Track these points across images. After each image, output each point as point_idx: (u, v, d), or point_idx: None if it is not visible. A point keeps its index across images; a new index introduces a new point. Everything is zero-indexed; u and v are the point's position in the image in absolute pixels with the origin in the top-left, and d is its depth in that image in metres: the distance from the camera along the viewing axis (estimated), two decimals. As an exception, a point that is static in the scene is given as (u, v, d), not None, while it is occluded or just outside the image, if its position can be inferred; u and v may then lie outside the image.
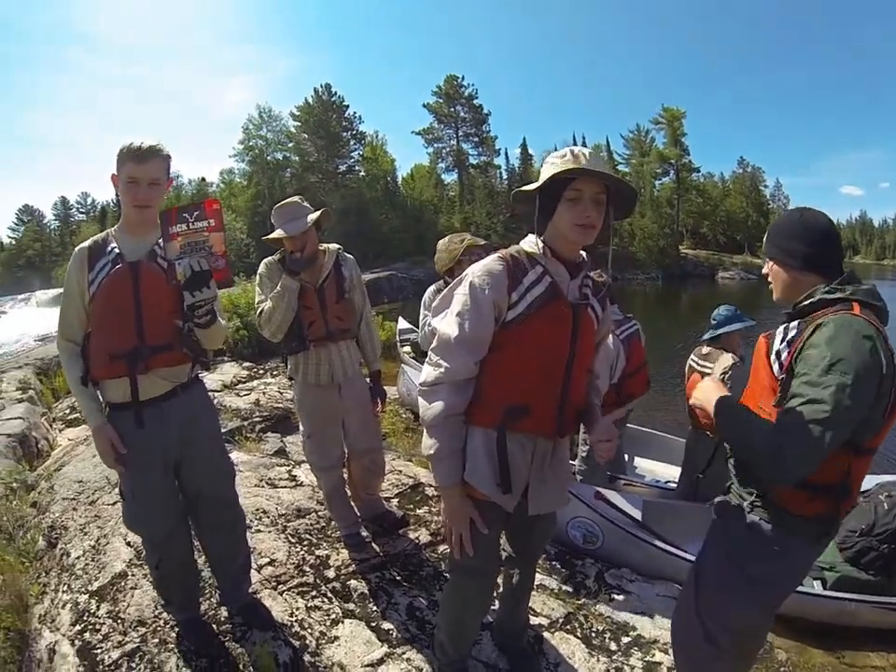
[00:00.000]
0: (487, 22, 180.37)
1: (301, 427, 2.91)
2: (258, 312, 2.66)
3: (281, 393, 5.96)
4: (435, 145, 54.08)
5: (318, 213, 2.68)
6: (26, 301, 50.87)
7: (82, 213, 70.57)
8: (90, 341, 1.91)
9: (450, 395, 1.54)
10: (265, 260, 2.73)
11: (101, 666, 2.20)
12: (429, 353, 1.59)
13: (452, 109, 52.36)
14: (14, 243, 69.81)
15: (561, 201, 1.47)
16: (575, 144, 53.55)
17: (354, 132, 50.71)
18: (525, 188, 1.56)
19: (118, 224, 2.00)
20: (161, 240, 1.87)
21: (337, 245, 2.84)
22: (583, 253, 1.60)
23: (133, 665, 2.21)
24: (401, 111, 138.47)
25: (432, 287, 3.46)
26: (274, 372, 6.87)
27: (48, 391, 6.78)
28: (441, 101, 52.50)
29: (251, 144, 48.22)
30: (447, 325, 1.56)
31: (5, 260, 68.45)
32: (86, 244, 1.94)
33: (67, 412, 6.18)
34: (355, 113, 50.37)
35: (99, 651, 2.28)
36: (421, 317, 3.65)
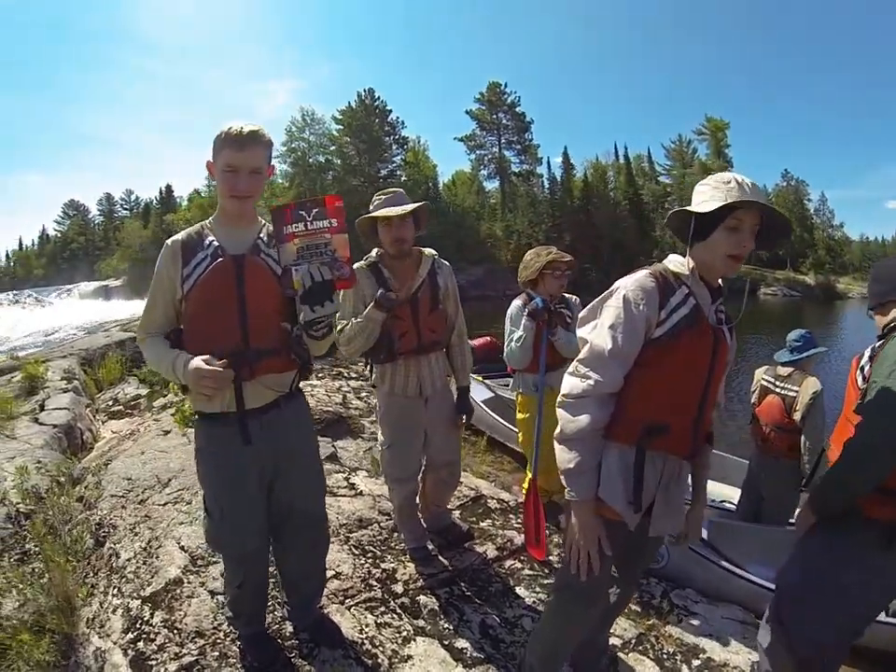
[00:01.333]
0: (530, 29, 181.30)
1: (379, 437, 2.93)
2: (338, 328, 2.61)
3: (329, 396, 6.00)
4: (477, 152, 57.55)
5: (420, 204, 2.70)
6: (69, 293, 54.91)
7: (126, 209, 78.22)
8: (182, 341, 1.85)
9: (596, 409, 1.63)
10: (354, 266, 2.71)
11: None
12: (575, 364, 1.69)
13: (494, 116, 55.72)
14: (60, 236, 78.82)
15: (719, 227, 1.59)
16: (617, 153, 58.08)
17: (396, 136, 54.42)
18: (687, 208, 1.67)
19: (213, 216, 1.95)
20: (262, 233, 1.86)
21: (433, 251, 2.84)
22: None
23: None
24: (443, 117, 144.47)
25: (518, 301, 3.66)
26: (320, 374, 6.93)
27: (91, 382, 7.13)
28: (483, 108, 55.92)
29: (293, 146, 52.39)
30: (599, 337, 1.64)
31: (50, 253, 77.57)
32: (179, 236, 1.89)
33: (110, 403, 6.48)
34: (397, 118, 54.08)
35: (154, 662, 2.27)
36: (506, 332, 3.68)
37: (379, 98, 53.10)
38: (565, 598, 1.90)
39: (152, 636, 2.41)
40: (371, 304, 2.55)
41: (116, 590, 2.73)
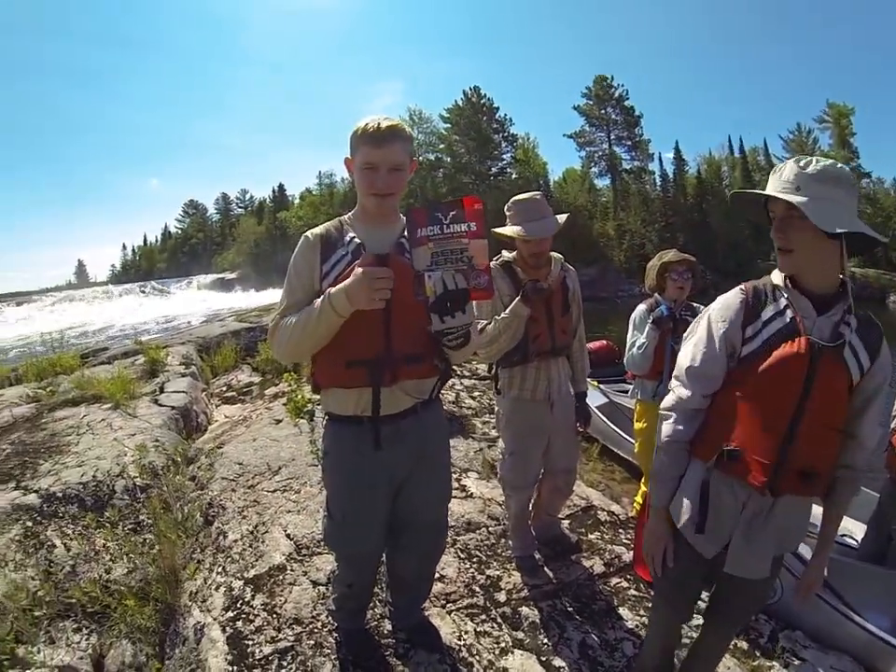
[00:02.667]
0: (636, 19, 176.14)
1: (501, 444, 3.09)
2: (479, 328, 2.73)
3: (441, 394, 6.12)
4: (587, 148, 57.90)
5: (565, 216, 2.80)
6: (189, 284, 60.64)
7: (241, 207, 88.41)
8: None
9: (677, 422, 1.79)
10: None
11: (250, 659, 2.43)
12: (673, 377, 1.86)
13: (602, 111, 55.92)
14: (180, 232, 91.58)
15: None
16: (731, 147, 56.38)
17: (505, 134, 56.29)
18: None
19: (352, 212, 2.02)
20: (405, 231, 1.88)
21: (559, 255, 2.96)
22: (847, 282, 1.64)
23: (285, 663, 2.40)
24: (552, 113, 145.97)
25: (642, 306, 3.80)
26: None
27: (207, 368, 7.87)
28: (591, 103, 56.22)
29: None
30: (684, 354, 1.81)
31: (171, 248, 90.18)
32: (318, 230, 1.95)
33: (224, 388, 7.15)
34: (505, 115, 55.97)
35: (250, 643, 2.52)
36: (629, 336, 3.80)
37: (485, 96, 55.48)
38: (654, 604, 2.17)
39: (251, 616, 2.67)
40: (518, 298, 2.66)
41: (220, 568, 3.04)
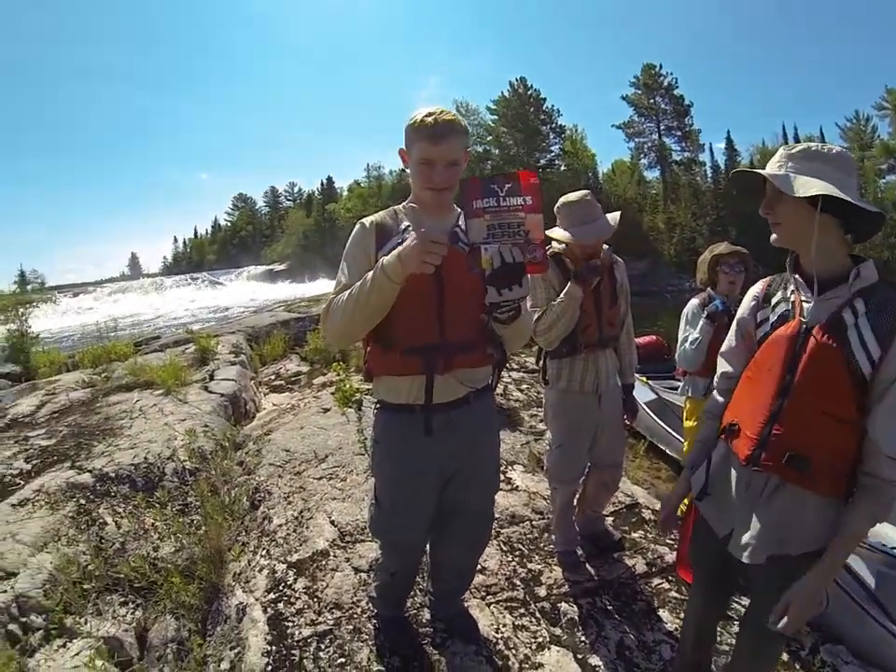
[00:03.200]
0: (684, 3, 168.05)
1: (549, 436, 3.18)
2: (535, 317, 2.80)
3: None
4: (636, 139, 57.37)
5: (617, 215, 2.85)
6: (239, 275, 62.25)
7: (289, 200, 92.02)
8: (375, 330, 1.91)
9: (716, 394, 2.02)
10: None
11: (290, 640, 2.57)
12: None
13: (651, 101, 55.25)
14: (230, 225, 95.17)
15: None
16: (785, 136, 54.36)
17: (553, 125, 56.26)
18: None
19: (406, 201, 2.06)
20: (459, 221, 1.93)
21: (607, 245, 3.01)
22: (866, 265, 1.61)
23: (323, 646, 2.53)
24: (600, 103, 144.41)
25: (695, 301, 3.84)
26: None
27: (256, 356, 8.18)
28: (639, 92, 55.58)
29: None
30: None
31: (221, 240, 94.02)
32: (374, 218, 2.00)
33: (272, 377, 7.41)
34: (552, 106, 55.90)
35: (290, 624, 2.66)
36: (681, 332, 3.84)
37: (532, 86, 55.51)
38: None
39: (293, 599, 2.81)
40: (571, 280, 2.72)
41: (264, 551, 3.20)
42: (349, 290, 1.82)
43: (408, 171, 1.97)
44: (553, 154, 56.53)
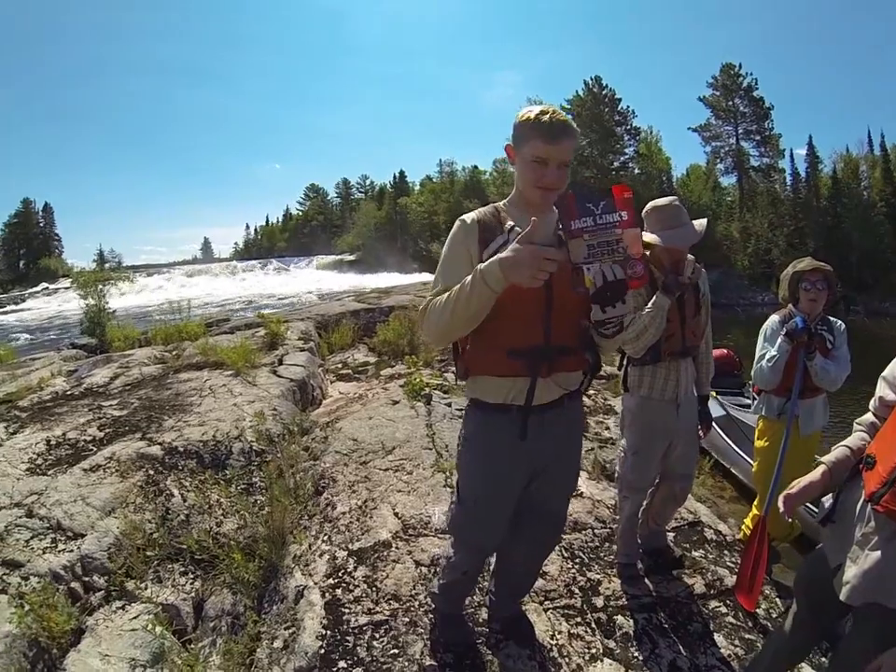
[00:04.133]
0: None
1: (623, 443, 3.16)
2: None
3: None
4: (713, 143, 55.04)
5: (704, 221, 2.91)
6: (308, 263, 63.96)
7: (361, 192, 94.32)
8: (477, 329, 1.90)
9: (868, 416, 1.98)
10: None
11: (345, 626, 2.65)
12: None
13: (730, 103, 52.98)
14: (301, 214, 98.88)
15: None
16: (871, 143, 49.98)
17: (628, 126, 54.62)
18: None
19: (507, 199, 2.08)
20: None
21: (692, 255, 3.03)
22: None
23: (378, 636, 2.61)
24: (675, 105, 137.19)
25: (775, 317, 3.78)
26: None
27: (324, 344, 8.40)
28: (717, 94, 53.45)
29: None
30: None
31: (292, 228, 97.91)
32: (474, 215, 2.00)
33: (340, 366, 7.62)
34: (628, 107, 54.26)
35: (347, 611, 2.75)
36: (758, 348, 3.79)
37: (607, 86, 54.21)
38: None
39: (351, 587, 2.90)
40: (659, 290, 2.76)
41: (326, 537, 3.31)
42: (448, 293, 1.83)
43: (513, 167, 1.99)
44: (626, 156, 55.34)
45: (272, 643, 2.68)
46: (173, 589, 3.04)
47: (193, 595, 3.04)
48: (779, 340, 3.54)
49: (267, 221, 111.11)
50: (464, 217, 2.01)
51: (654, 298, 2.75)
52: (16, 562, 3.01)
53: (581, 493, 3.91)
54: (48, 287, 59.09)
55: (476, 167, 66.45)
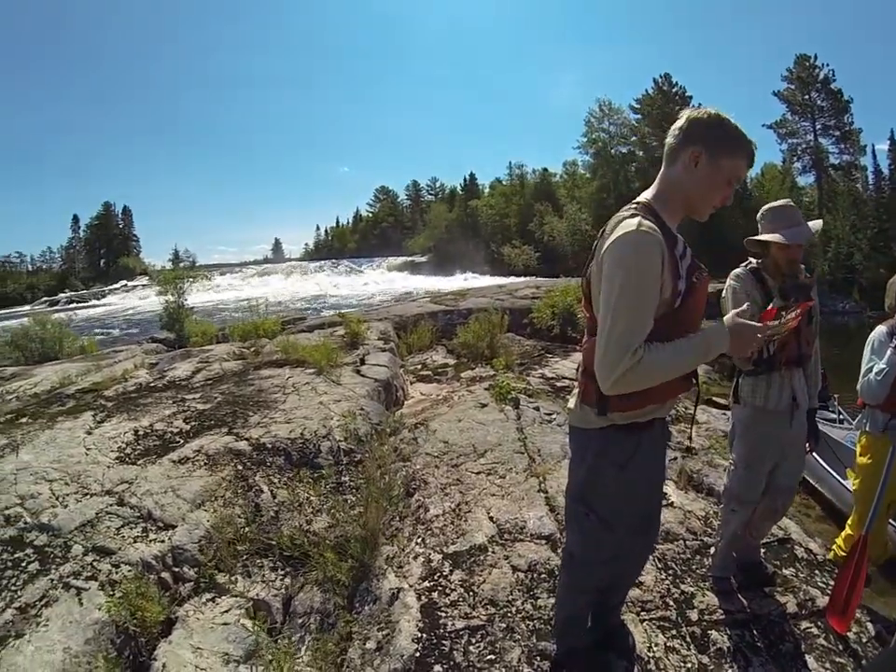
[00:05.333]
0: None
1: (734, 456, 3.13)
2: None
3: None
4: (789, 140, 52.69)
5: (820, 222, 2.93)
6: (379, 265, 65.10)
7: (431, 194, 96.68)
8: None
9: None
10: (735, 272, 3.02)
11: (441, 630, 2.70)
12: None
13: (806, 97, 50.58)
14: (371, 216, 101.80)
15: None
16: None
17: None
18: None
19: (654, 195, 1.95)
20: None
21: (802, 264, 3.04)
22: None
23: (474, 640, 2.63)
24: (748, 101, 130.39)
25: (883, 328, 3.69)
26: None
27: (403, 345, 8.53)
28: (792, 87, 51.09)
29: (594, 137, 56.60)
30: None
31: (362, 230, 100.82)
32: (652, 224, 1.79)
33: (419, 367, 7.73)
34: (699, 105, 51.86)
35: (443, 615, 2.79)
36: (864, 361, 3.68)
37: (677, 83, 53.55)
38: None
39: (448, 590, 2.94)
40: (776, 296, 2.80)
41: (419, 539, 3.36)
42: (662, 357, 1.74)
43: (685, 169, 1.87)
44: None
45: (364, 644, 2.72)
46: (263, 584, 3.12)
47: (283, 591, 3.11)
48: (888, 352, 3.45)
49: (337, 223, 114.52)
50: (644, 227, 1.77)
51: (772, 303, 2.75)
52: (107, 549, 3.15)
53: (672, 502, 3.88)
54: (126, 284, 64.28)
55: (546, 169, 66.66)
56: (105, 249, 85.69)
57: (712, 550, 3.27)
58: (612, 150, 55.42)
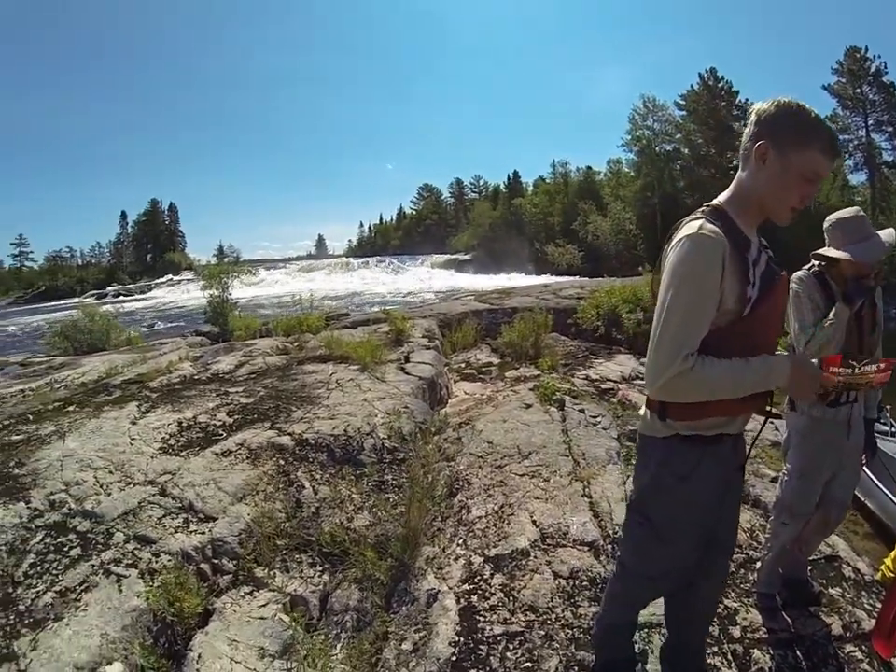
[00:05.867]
0: None
1: (787, 465, 3.08)
2: (805, 342, 2.83)
3: None
4: (840, 137, 49.25)
5: (893, 231, 2.75)
6: (423, 262, 65.57)
7: (475, 192, 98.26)
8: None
9: None
10: (797, 275, 2.90)
11: (479, 635, 2.68)
12: None
13: (857, 91, 48.20)
14: (415, 213, 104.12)
15: None
16: None
17: (746, 121, 51.09)
18: None
19: (727, 199, 1.87)
20: None
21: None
22: None
23: (512, 647, 2.61)
24: (797, 95, 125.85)
25: None
26: None
27: (447, 343, 8.52)
28: (843, 80, 48.74)
29: (638, 134, 55.34)
30: None
31: (406, 227, 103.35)
32: (716, 228, 1.73)
33: (462, 365, 7.73)
34: (746, 100, 50.89)
35: (482, 619, 2.77)
36: None
37: (723, 78, 51.75)
38: None
39: (487, 594, 2.92)
40: (840, 301, 2.71)
41: (461, 541, 3.35)
42: (719, 374, 1.71)
43: (759, 171, 1.77)
44: None
45: (400, 644, 2.72)
46: (301, 580, 3.14)
47: (321, 588, 3.13)
48: None
49: (381, 219, 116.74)
50: (705, 229, 1.72)
51: (835, 308, 2.70)
52: (148, 538, 3.21)
53: None
54: (171, 279, 66.86)
55: (590, 168, 66.10)
56: (152, 244, 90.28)
57: (758, 564, 3.21)
58: (657, 148, 54.51)
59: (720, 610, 2.94)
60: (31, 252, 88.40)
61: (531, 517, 3.49)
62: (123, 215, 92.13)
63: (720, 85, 51.89)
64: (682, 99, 53.03)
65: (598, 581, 2.98)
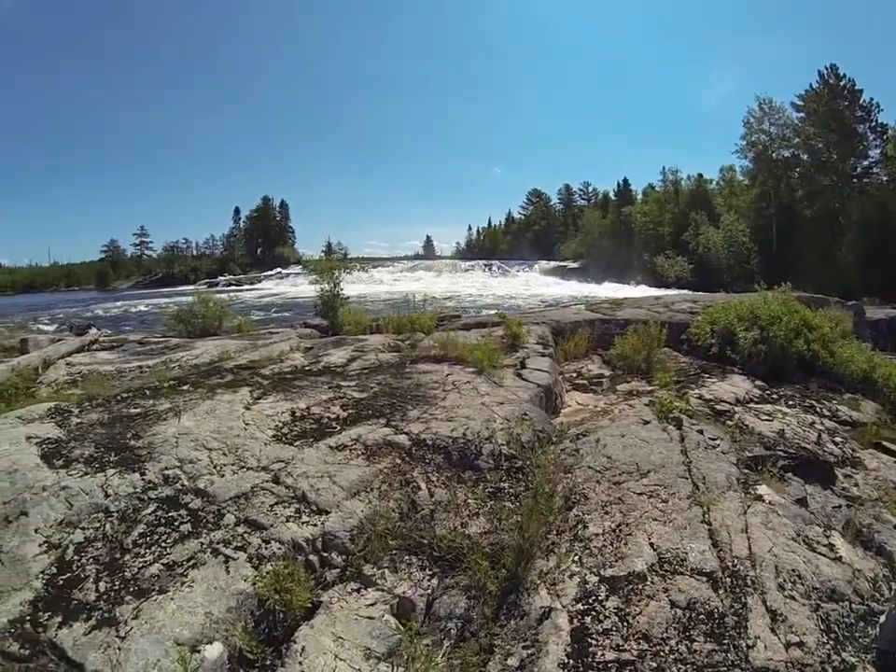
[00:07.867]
0: None
1: None
2: None
3: (803, 430, 5.65)
4: None
5: None
6: (531, 267, 65.49)
7: (584, 199, 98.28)
8: None
9: None
10: None
11: (589, 659, 2.62)
12: None
13: None
14: (523, 218, 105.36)
15: None
16: None
17: (871, 123, 46.99)
18: None
19: None
20: None
21: None
22: None
23: None
24: None
25: None
26: (790, 402, 6.58)
27: (560, 352, 8.41)
28: None
29: (753, 139, 52.81)
30: None
31: (514, 231, 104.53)
32: None
33: (574, 375, 7.65)
34: (871, 100, 46.67)
35: (594, 643, 2.71)
36: None
37: (845, 76, 47.12)
38: None
39: (601, 617, 2.85)
40: None
41: (576, 558, 3.28)
42: None
43: None
44: (871, 160, 48.02)
45: (505, 659, 2.70)
46: (410, 582, 3.17)
47: (429, 592, 3.14)
48: None
49: (489, 223, 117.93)
50: None
51: None
52: (259, 523, 3.33)
53: (840, 556, 3.58)
54: (280, 272, 70.50)
55: (701, 175, 64.26)
56: (262, 239, 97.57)
57: (881, 619, 2.98)
58: (773, 154, 51.67)
59: (836, 663, 2.77)
60: (150, 242, 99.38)
61: (648, 539, 3.39)
62: (237, 210, 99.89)
63: (841, 83, 47.82)
64: (800, 99, 49.46)
65: (716, 615, 2.85)
